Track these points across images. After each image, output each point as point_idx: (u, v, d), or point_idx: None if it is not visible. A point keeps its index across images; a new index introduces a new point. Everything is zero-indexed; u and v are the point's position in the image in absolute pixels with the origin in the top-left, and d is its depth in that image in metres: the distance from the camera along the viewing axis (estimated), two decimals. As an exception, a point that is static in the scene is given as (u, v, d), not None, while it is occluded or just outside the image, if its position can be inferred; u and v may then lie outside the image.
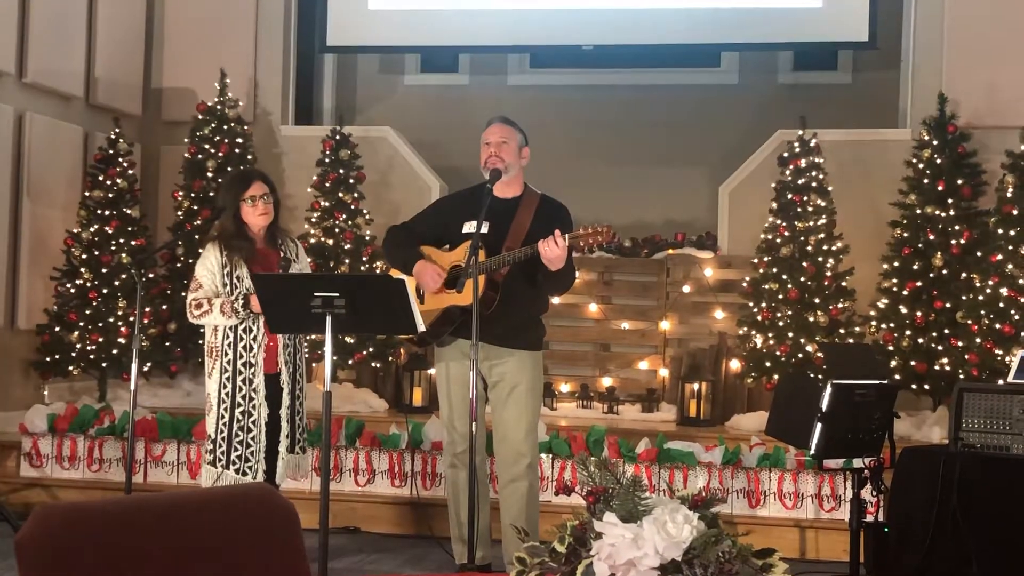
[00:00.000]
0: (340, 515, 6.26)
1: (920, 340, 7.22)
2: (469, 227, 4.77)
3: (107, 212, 7.80)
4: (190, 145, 8.26)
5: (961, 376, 6.85)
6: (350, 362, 7.82)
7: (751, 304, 7.49)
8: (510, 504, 4.85)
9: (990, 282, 6.93)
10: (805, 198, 7.50)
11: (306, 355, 5.33)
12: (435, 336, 4.88)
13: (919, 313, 7.24)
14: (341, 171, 8.21)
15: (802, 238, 7.42)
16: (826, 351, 6.49)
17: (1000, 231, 7.04)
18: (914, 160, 7.61)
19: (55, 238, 7.81)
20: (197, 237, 7.88)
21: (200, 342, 5.54)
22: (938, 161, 7.49)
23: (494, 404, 4.91)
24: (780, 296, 7.34)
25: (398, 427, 6.59)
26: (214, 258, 5.08)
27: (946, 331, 7.18)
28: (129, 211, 7.90)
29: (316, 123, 9.53)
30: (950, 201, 7.40)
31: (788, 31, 8.67)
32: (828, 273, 7.36)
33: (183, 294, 7.65)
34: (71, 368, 7.64)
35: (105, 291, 7.66)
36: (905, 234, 7.46)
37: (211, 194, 8.00)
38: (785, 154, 7.73)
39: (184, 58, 8.94)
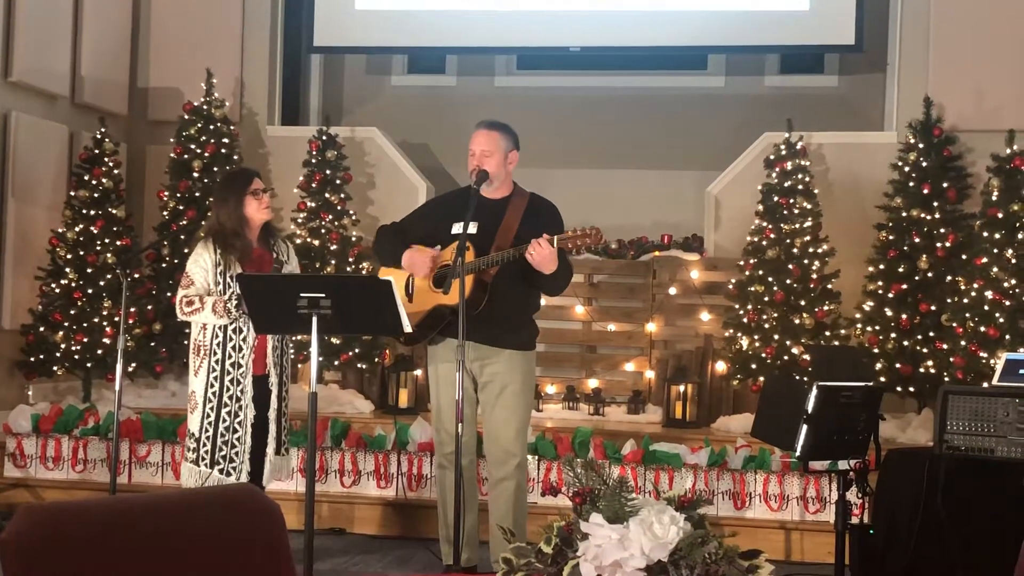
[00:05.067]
0: (326, 516, 6.26)
1: (905, 343, 7.24)
2: (458, 228, 4.75)
3: (92, 212, 7.76)
4: (176, 145, 8.23)
5: (946, 379, 6.87)
6: (336, 363, 7.81)
7: (737, 306, 7.49)
8: (498, 504, 4.85)
9: (975, 285, 6.95)
10: (791, 201, 7.52)
11: (291, 356, 5.31)
12: (424, 336, 4.88)
13: (904, 316, 7.26)
14: (328, 172, 8.19)
15: (788, 240, 7.44)
16: (812, 353, 6.51)
17: (985, 234, 7.06)
18: (900, 163, 7.64)
19: (40, 238, 7.77)
20: (183, 237, 7.87)
21: (185, 342, 5.52)
22: (924, 164, 7.52)
23: (484, 404, 4.88)
24: (766, 298, 7.35)
25: (384, 428, 6.59)
26: (208, 256, 5.04)
27: (931, 334, 7.20)
28: (114, 211, 7.87)
29: (303, 123, 9.50)
30: (935, 204, 7.43)
31: (775, 34, 8.68)
32: (814, 275, 7.38)
33: (168, 294, 7.66)
34: (56, 368, 7.61)
35: (90, 291, 7.63)
36: (890, 237, 7.48)
37: (197, 194, 7.99)
38: (771, 157, 7.75)
39: (170, 58, 8.92)
